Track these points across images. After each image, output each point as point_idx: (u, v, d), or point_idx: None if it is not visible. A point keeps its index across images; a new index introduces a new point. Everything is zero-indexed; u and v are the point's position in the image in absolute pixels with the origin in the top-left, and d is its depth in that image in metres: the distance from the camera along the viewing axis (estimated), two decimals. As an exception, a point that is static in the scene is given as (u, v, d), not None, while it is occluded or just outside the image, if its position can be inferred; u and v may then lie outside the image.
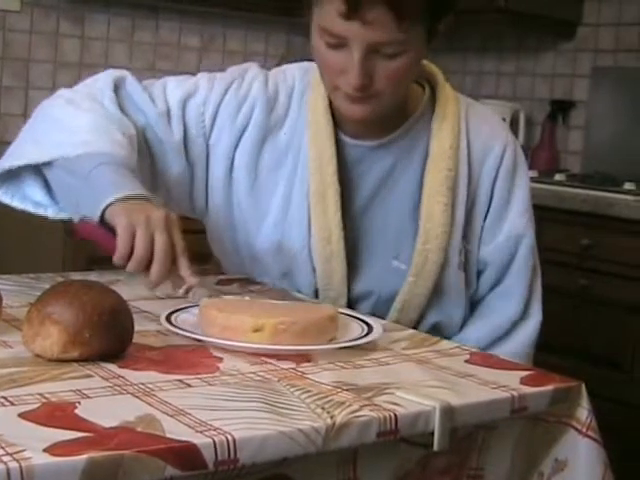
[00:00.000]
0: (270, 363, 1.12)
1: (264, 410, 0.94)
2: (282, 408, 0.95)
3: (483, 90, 3.88)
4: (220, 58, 3.70)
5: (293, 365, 1.12)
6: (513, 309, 1.57)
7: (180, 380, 1.02)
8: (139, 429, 0.86)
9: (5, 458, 0.76)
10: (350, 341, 1.20)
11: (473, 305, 1.60)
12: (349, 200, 1.54)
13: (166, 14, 3.57)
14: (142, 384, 1.00)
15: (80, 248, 2.62)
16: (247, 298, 1.33)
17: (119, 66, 3.38)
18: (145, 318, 1.27)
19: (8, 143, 1.53)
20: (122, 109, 1.53)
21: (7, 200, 1.49)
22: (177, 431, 0.86)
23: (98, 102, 1.51)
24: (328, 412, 0.95)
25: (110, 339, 1.07)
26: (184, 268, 1.26)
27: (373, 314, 1.44)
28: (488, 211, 1.56)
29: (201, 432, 0.86)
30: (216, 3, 3.47)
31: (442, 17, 1.41)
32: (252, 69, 1.60)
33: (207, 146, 1.57)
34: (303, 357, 1.15)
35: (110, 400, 0.94)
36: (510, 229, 1.56)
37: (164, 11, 3.56)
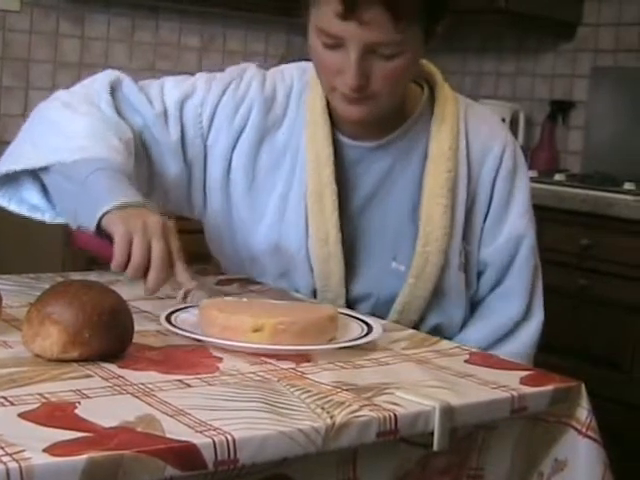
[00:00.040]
0: (270, 363, 1.12)
1: (264, 410, 0.94)
2: (282, 408, 0.95)
3: (483, 90, 3.88)
4: (220, 58, 3.70)
5: (293, 365, 1.12)
6: (514, 310, 1.56)
7: (180, 380, 1.02)
8: (139, 429, 0.86)
9: (5, 458, 0.76)
10: (350, 341, 1.20)
11: (473, 306, 1.60)
12: (347, 201, 1.54)
13: (166, 14, 3.57)
14: (142, 384, 1.00)
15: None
16: (244, 299, 1.32)
17: (119, 66, 3.39)
18: (145, 318, 1.27)
19: (8, 143, 1.53)
20: (119, 111, 1.52)
21: (4, 203, 1.49)
22: (177, 431, 0.86)
23: (95, 105, 1.50)
24: (328, 412, 0.95)
25: (110, 339, 1.07)
26: (181, 273, 1.27)
27: (373, 315, 1.44)
28: (488, 212, 1.56)
29: (201, 432, 0.86)
30: (216, 3, 3.47)
31: (439, 18, 1.41)
32: (250, 69, 1.60)
33: (205, 147, 1.57)
34: (303, 357, 1.15)
35: (110, 400, 0.94)
36: (510, 230, 1.56)
37: (164, 11, 3.56)
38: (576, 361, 2.72)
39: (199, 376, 1.04)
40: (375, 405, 0.99)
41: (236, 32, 3.76)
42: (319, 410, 0.96)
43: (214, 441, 0.85)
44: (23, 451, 0.78)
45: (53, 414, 0.88)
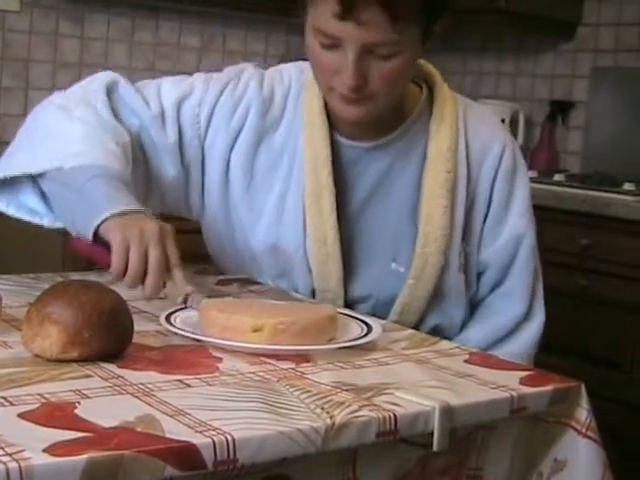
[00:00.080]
0: (269, 363, 1.12)
1: (263, 410, 0.94)
2: (281, 408, 0.95)
3: (483, 90, 3.88)
4: (220, 58, 3.70)
5: (292, 365, 1.12)
6: (516, 310, 1.56)
7: (180, 380, 1.02)
8: (139, 429, 0.86)
9: (4, 458, 0.76)
10: (349, 341, 1.20)
11: (473, 306, 1.60)
12: (345, 202, 1.54)
13: (166, 14, 3.57)
14: (142, 384, 1.00)
15: (80, 248, 2.62)
16: (240, 299, 1.32)
17: (119, 66, 3.39)
18: (145, 318, 1.27)
19: (7, 143, 1.53)
20: (115, 114, 1.52)
21: (3, 208, 1.49)
22: (176, 431, 0.86)
23: (91, 107, 1.50)
24: (327, 412, 0.95)
25: (109, 339, 1.07)
26: (179, 278, 1.27)
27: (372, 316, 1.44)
28: (488, 212, 1.56)
29: (200, 432, 0.86)
30: (216, 3, 3.47)
31: (437, 18, 1.41)
32: (248, 69, 1.60)
33: (202, 148, 1.57)
34: (302, 357, 1.15)
35: (110, 400, 0.94)
36: (511, 230, 1.56)
37: (164, 11, 3.56)
38: (576, 361, 2.72)
39: (199, 376, 1.04)
40: (375, 405, 0.99)
41: (236, 32, 3.76)
42: (319, 410, 0.96)
43: (214, 441, 0.85)
44: (23, 451, 0.78)
45: (53, 414, 0.88)
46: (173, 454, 0.83)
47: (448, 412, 1.01)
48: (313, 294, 1.54)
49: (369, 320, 1.30)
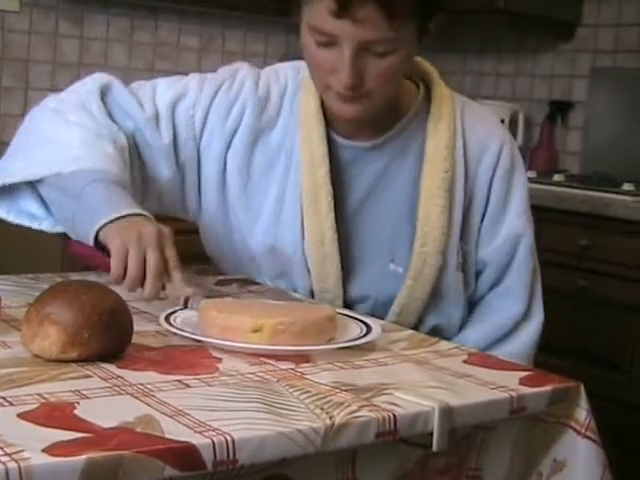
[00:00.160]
0: (269, 363, 1.12)
1: (263, 411, 0.94)
2: (281, 409, 0.95)
3: (482, 91, 3.88)
4: (219, 59, 3.70)
5: (292, 365, 1.12)
6: (514, 309, 1.56)
7: (179, 380, 1.02)
8: (138, 429, 0.86)
9: (4, 458, 0.76)
10: (349, 341, 1.20)
11: (472, 306, 1.60)
12: (342, 202, 1.54)
13: (165, 14, 3.57)
14: (141, 384, 1.00)
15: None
16: (239, 300, 1.32)
17: (118, 67, 3.38)
18: (144, 318, 1.27)
19: (7, 143, 1.53)
20: (110, 116, 1.52)
21: (3, 214, 1.49)
22: (176, 431, 0.86)
23: (87, 111, 1.50)
24: (327, 412, 0.95)
25: (109, 339, 1.07)
26: (178, 281, 1.27)
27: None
28: (486, 211, 1.56)
29: (200, 432, 0.86)
30: (215, 4, 3.46)
31: (433, 16, 1.41)
32: (243, 69, 1.59)
33: (198, 149, 1.56)
34: (302, 357, 1.15)
35: (109, 400, 0.94)
36: (509, 230, 1.56)
37: (163, 11, 3.56)
38: (576, 361, 2.72)
39: (198, 376, 1.04)
40: (374, 405, 0.99)
41: (235, 33, 3.76)
42: (318, 410, 0.96)
43: (213, 441, 0.85)
44: (22, 451, 0.78)
45: (52, 414, 0.88)
46: (172, 454, 0.83)
47: (447, 412, 1.01)
48: (312, 294, 1.54)
49: (368, 320, 1.30)
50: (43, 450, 0.79)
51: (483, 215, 1.56)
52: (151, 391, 0.98)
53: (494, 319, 1.56)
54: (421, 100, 1.56)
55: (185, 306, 1.27)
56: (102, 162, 1.40)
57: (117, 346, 1.09)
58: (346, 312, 1.36)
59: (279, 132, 1.56)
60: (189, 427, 0.88)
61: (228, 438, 0.86)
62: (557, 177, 3.19)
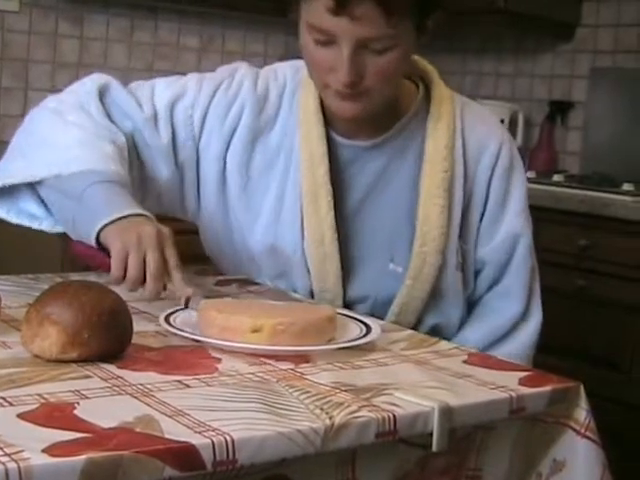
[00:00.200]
0: (269, 364, 1.12)
1: (263, 411, 0.94)
2: (281, 409, 0.95)
3: (482, 91, 3.88)
4: (219, 59, 3.70)
5: (292, 366, 1.12)
6: (514, 309, 1.56)
7: (179, 381, 1.02)
8: (138, 430, 0.86)
9: (4, 459, 0.76)
10: (349, 342, 1.20)
11: (471, 306, 1.60)
12: (342, 201, 1.54)
13: (165, 14, 3.57)
14: (141, 385, 1.00)
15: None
16: (239, 300, 1.32)
17: (118, 67, 3.38)
18: (144, 319, 1.27)
19: (7, 143, 1.53)
20: (109, 116, 1.52)
21: (3, 215, 1.49)
22: (176, 432, 0.86)
23: (85, 111, 1.50)
24: (327, 413, 0.95)
25: (109, 340, 1.07)
26: (178, 281, 1.27)
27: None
28: (484, 211, 1.56)
29: (200, 433, 0.86)
30: (215, 4, 3.46)
31: (430, 13, 1.41)
32: (242, 69, 1.59)
33: (197, 149, 1.56)
34: (302, 358, 1.15)
35: (109, 401, 0.94)
36: (507, 229, 1.56)
37: (163, 11, 3.56)
38: (575, 362, 2.72)
39: (198, 377, 1.04)
40: (374, 406, 0.99)
41: (235, 33, 3.76)
42: (318, 411, 0.96)
43: (213, 442, 0.85)
44: (22, 451, 0.78)
45: (52, 414, 0.88)
46: (172, 455, 0.83)
47: (447, 413, 1.01)
48: (312, 294, 1.54)
49: (368, 321, 1.30)
50: (43, 450, 0.79)
51: (482, 214, 1.56)
52: (151, 391, 0.98)
53: (493, 319, 1.56)
54: (421, 100, 1.57)
55: (186, 306, 1.27)
56: (102, 162, 1.40)
57: (117, 346, 1.09)
58: (346, 312, 1.36)
59: (278, 132, 1.56)
60: (189, 427, 0.88)
61: (228, 438, 0.86)
62: (557, 177, 3.19)
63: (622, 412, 2.65)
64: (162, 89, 1.57)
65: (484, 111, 1.67)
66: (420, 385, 1.07)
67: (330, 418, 0.94)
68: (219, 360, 1.12)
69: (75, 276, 1.52)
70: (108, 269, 1.26)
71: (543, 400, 1.12)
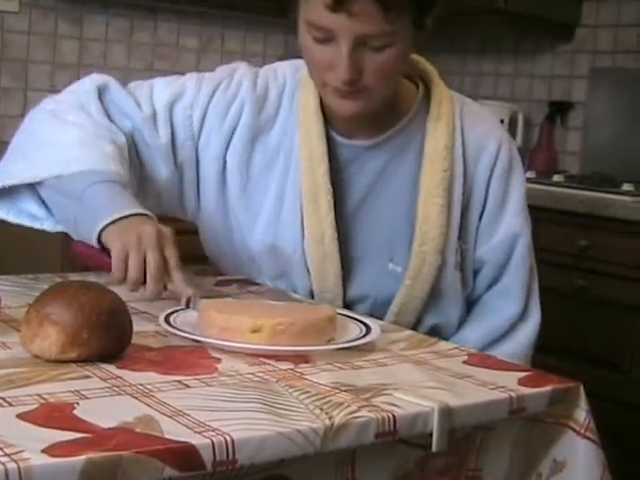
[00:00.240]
0: (268, 364, 1.12)
1: (262, 411, 0.94)
2: (280, 409, 0.95)
3: (482, 91, 3.88)
4: (219, 59, 3.70)
5: (291, 366, 1.12)
6: (512, 309, 1.56)
7: (179, 381, 1.02)
8: (138, 430, 0.86)
9: (3, 459, 0.76)
10: (348, 342, 1.20)
11: (470, 305, 1.60)
12: (342, 201, 1.54)
13: (164, 15, 3.57)
14: (140, 385, 1.00)
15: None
16: (239, 300, 1.32)
17: (117, 67, 3.38)
18: (144, 319, 1.27)
19: (6, 143, 1.53)
20: (108, 116, 1.52)
21: (3, 215, 1.49)
22: (175, 432, 0.86)
23: (85, 111, 1.50)
24: (326, 413, 0.95)
25: (109, 340, 1.07)
26: (178, 281, 1.27)
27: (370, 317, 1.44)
28: (483, 210, 1.56)
29: (199, 433, 0.86)
30: (215, 4, 3.47)
31: (428, 10, 1.41)
32: (241, 68, 1.59)
33: (196, 149, 1.56)
34: (301, 358, 1.15)
35: (108, 401, 0.94)
36: (506, 229, 1.56)
37: (162, 12, 3.56)
38: (575, 362, 2.72)
39: (198, 377, 1.04)
40: (374, 406, 0.99)
41: (235, 33, 3.76)
42: (317, 411, 0.96)
43: (213, 442, 0.85)
44: (22, 452, 0.78)
45: (52, 415, 0.88)
46: (172, 455, 0.83)
47: (447, 413, 1.01)
48: (312, 295, 1.54)
49: (368, 321, 1.30)
50: (42, 450, 0.79)
51: (481, 214, 1.56)
52: (151, 391, 0.98)
53: (492, 319, 1.56)
54: (420, 100, 1.57)
55: (187, 306, 1.27)
56: (102, 162, 1.40)
57: (116, 346, 1.09)
58: (346, 312, 1.36)
59: (278, 131, 1.56)
60: (188, 427, 0.88)
61: (227, 438, 0.86)
62: (557, 177, 3.19)
63: (622, 412, 2.65)
64: (161, 89, 1.57)
65: (484, 111, 1.67)
66: (420, 385, 1.07)
67: (330, 418, 0.94)
68: (219, 360, 1.12)
69: (75, 276, 1.52)
70: (109, 269, 1.27)
71: (543, 400, 1.12)
